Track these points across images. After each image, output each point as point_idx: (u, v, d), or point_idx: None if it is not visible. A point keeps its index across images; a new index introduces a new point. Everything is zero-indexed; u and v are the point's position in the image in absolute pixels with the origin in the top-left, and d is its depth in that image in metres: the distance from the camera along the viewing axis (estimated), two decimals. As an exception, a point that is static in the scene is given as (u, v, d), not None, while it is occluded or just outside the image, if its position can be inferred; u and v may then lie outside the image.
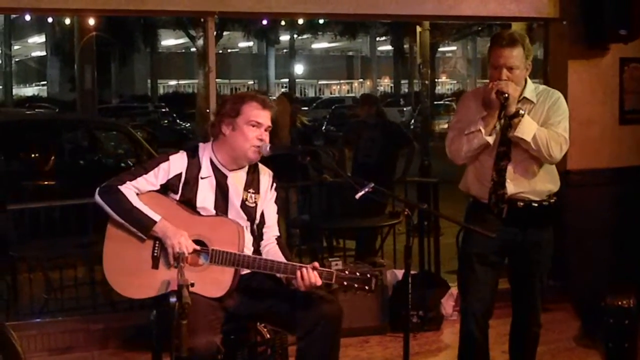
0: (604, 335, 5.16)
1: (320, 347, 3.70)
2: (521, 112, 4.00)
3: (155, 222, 3.71)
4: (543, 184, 4.20)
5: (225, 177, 3.89)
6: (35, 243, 6.54)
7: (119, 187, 3.76)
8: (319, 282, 3.64)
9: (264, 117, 3.87)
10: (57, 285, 6.49)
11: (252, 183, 3.96)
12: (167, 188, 3.85)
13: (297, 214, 7.70)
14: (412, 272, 3.73)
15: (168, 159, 3.86)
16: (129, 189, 3.76)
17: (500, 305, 6.07)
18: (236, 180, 3.91)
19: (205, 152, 3.91)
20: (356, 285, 3.63)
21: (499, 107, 3.96)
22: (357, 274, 3.64)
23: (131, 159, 10.10)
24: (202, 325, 3.41)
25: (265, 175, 4.03)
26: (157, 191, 3.84)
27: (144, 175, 3.81)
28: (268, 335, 4.14)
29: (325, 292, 3.79)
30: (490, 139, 4.06)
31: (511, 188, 4.12)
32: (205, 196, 3.84)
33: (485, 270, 4.24)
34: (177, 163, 3.85)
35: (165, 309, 3.37)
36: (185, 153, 3.90)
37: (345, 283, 3.64)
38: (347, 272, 3.66)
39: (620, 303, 5.05)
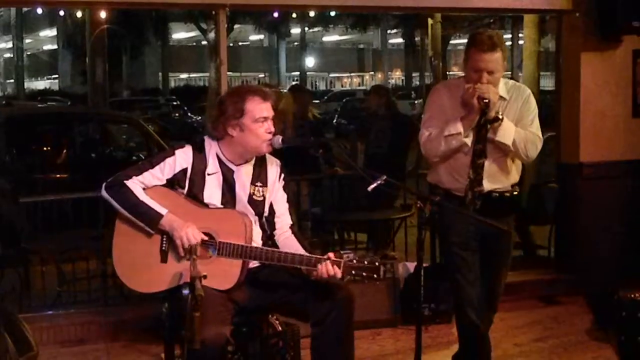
0: (616, 329, 5.15)
1: (335, 332, 3.72)
2: (500, 116, 4.05)
3: (162, 216, 3.70)
4: (513, 175, 4.28)
5: (232, 171, 3.87)
6: (47, 236, 6.56)
7: (125, 182, 3.75)
8: (339, 274, 3.63)
9: (268, 110, 3.84)
10: (69, 277, 6.52)
11: (260, 176, 3.94)
12: (173, 183, 3.83)
13: (309, 206, 7.69)
14: (424, 264, 3.72)
15: (174, 154, 3.84)
16: (135, 184, 3.75)
17: (511, 299, 6.11)
18: (243, 175, 3.89)
19: (212, 148, 3.88)
20: (365, 274, 3.62)
21: (479, 112, 4.01)
22: (365, 262, 3.64)
23: (142, 152, 10.13)
24: (212, 317, 3.40)
25: (273, 166, 4.00)
26: (163, 185, 3.83)
27: (150, 170, 3.80)
28: (280, 328, 4.14)
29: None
30: (469, 140, 4.10)
31: (488, 185, 4.17)
32: (212, 193, 3.83)
33: (470, 255, 4.26)
34: (183, 157, 3.83)
35: (178, 301, 3.38)
36: (191, 147, 3.87)
37: (353, 272, 3.64)
38: (355, 261, 3.66)
39: (633, 296, 5.03)
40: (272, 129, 3.84)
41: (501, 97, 4.14)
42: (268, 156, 4.00)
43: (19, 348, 3.89)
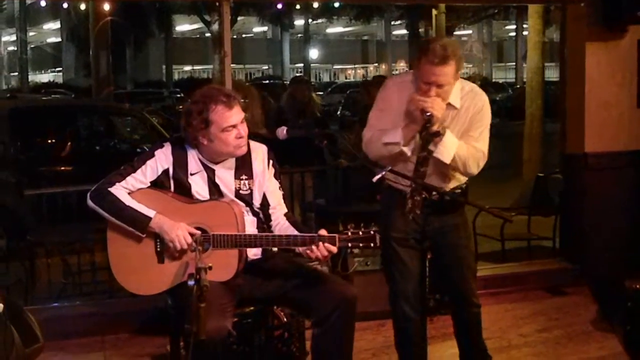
0: (621, 319, 5.15)
1: (335, 333, 3.72)
2: (442, 131, 3.90)
3: (150, 219, 3.67)
4: (457, 179, 4.17)
5: (213, 170, 3.82)
6: (52, 228, 6.57)
7: (109, 189, 3.72)
8: (334, 249, 3.63)
9: (235, 116, 3.73)
10: (74, 269, 6.53)
11: (244, 169, 3.87)
12: (157, 184, 3.79)
13: (313, 198, 7.69)
14: (428, 256, 3.73)
15: (154, 155, 3.79)
16: (119, 190, 3.72)
17: (516, 289, 6.12)
18: (225, 172, 3.84)
19: (191, 147, 3.82)
20: (361, 244, 3.62)
21: (421, 125, 3.87)
22: (360, 232, 3.63)
23: (147, 144, 10.13)
24: (214, 310, 3.39)
25: (259, 155, 3.92)
26: (149, 186, 3.79)
27: (133, 175, 3.75)
28: (285, 319, 4.14)
29: (340, 277, 3.78)
30: (408, 150, 3.99)
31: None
32: (200, 191, 3.80)
33: (407, 252, 4.18)
34: (163, 158, 3.78)
35: (183, 292, 3.38)
36: (170, 146, 3.82)
37: (350, 244, 3.63)
38: (349, 233, 3.64)
39: (638, 286, 5.02)
40: (243, 133, 3.75)
41: (451, 106, 4.00)
42: (252, 144, 3.92)
43: (24, 340, 3.90)
